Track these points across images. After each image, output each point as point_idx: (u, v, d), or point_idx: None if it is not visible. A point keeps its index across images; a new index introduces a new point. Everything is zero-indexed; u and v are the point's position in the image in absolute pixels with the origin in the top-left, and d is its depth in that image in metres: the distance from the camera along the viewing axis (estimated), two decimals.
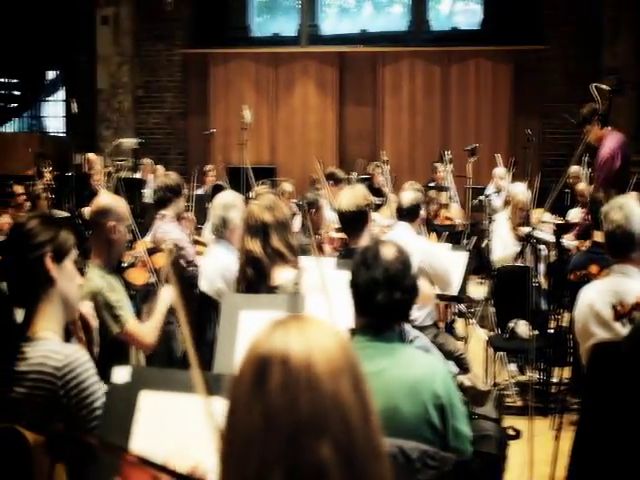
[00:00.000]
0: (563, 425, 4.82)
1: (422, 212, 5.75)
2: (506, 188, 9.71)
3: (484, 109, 13.77)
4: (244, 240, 4.10)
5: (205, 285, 4.78)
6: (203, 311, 4.57)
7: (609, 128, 6.73)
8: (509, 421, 3.75)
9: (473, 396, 3.52)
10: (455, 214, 10.03)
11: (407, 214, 5.52)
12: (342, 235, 5.10)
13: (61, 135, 16.41)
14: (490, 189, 10.48)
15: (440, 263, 5.27)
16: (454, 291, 5.69)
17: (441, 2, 15.32)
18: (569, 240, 7.19)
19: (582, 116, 6.76)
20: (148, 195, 10.62)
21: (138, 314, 3.92)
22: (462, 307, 7.43)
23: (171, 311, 4.21)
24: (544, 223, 7.01)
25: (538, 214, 6.99)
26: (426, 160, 13.02)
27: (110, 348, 3.49)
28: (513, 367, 6.75)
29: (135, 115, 15.04)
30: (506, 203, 8.02)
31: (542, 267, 6.80)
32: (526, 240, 6.02)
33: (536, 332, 5.79)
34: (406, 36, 14.75)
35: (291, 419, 1.19)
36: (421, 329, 4.77)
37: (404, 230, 5.40)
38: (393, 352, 2.63)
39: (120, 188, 5.06)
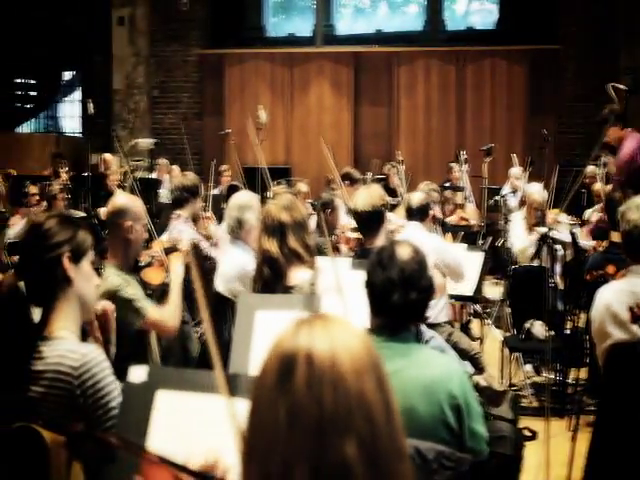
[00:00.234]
0: (579, 426, 4.79)
1: (431, 211, 5.76)
2: (522, 188, 9.69)
3: (500, 109, 13.73)
4: (261, 240, 4.10)
5: (220, 285, 4.79)
6: (218, 311, 4.58)
7: (630, 129, 6.70)
8: (525, 422, 3.73)
9: (489, 396, 3.51)
10: (470, 214, 10.01)
11: (417, 213, 5.54)
12: (358, 235, 5.09)
13: (77, 135, 16.48)
14: (506, 189, 10.45)
15: (452, 257, 5.29)
16: (469, 291, 5.68)
17: (457, 2, 15.28)
18: (583, 236, 7.16)
19: (603, 116, 6.73)
20: (164, 195, 10.66)
21: None
22: (478, 307, 7.42)
23: (185, 310, 4.23)
24: (560, 223, 6.98)
25: (554, 214, 6.96)
26: (441, 160, 12.99)
27: (127, 347, 3.50)
28: (529, 368, 6.72)
29: (151, 115, 15.09)
30: (522, 203, 7.99)
31: (558, 267, 6.78)
32: (542, 240, 6.00)
33: (552, 333, 5.77)
34: (421, 36, 14.72)
35: (316, 417, 1.20)
36: (435, 326, 4.77)
37: (415, 229, 5.41)
38: (409, 352, 2.63)
39: (136, 188, 5.07)
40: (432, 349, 3.02)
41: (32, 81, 16.30)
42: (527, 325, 6.18)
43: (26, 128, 16.97)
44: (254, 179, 9.05)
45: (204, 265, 5.26)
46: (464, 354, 5.03)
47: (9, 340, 2.40)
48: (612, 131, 6.53)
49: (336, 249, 5.38)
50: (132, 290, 3.70)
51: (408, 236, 4.98)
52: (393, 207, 8.94)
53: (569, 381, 6.24)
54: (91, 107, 10.73)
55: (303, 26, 15.36)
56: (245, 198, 5.09)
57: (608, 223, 6.04)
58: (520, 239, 7.10)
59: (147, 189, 8.88)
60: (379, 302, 2.65)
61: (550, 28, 13.35)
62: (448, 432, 2.54)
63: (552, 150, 10.68)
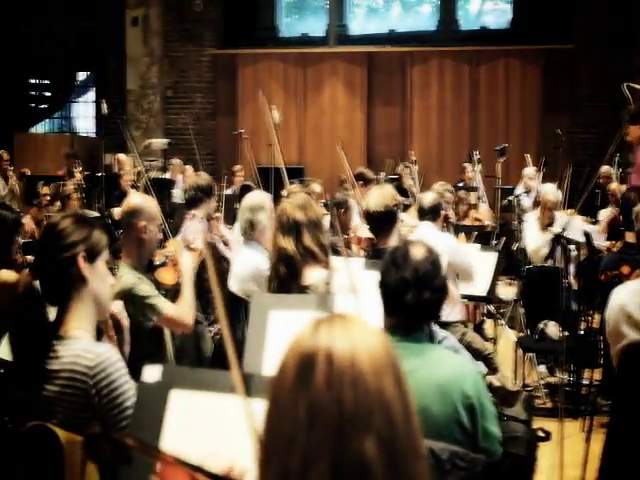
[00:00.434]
0: (594, 427, 4.77)
1: (443, 211, 5.75)
2: (535, 188, 9.67)
3: (513, 109, 13.70)
4: (277, 238, 4.10)
5: (234, 285, 4.80)
6: (232, 311, 4.59)
7: None
8: (539, 423, 3.72)
9: (502, 397, 3.50)
10: (484, 214, 9.98)
11: (428, 213, 5.53)
12: (369, 235, 5.09)
13: (91, 136, 16.54)
14: (519, 189, 10.42)
15: (463, 258, 5.27)
16: (482, 292, 5.66)
17: (470, 2, 15.26)
18: (597, 233, 7.14)
19: (628, 115, 6.69)
20: (177, 195, 10.68)
21: None
22: (491, 308, 7.40)
23: (199, 310, 4.24)
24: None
25: (568, 214, 6.94)
26: (455, 160, 12.98)
27: (141, 346, 3.51)
28: (543, 368, 6.70)
29: (164, 115, 15.12)
30: (536, 203, 7.97)
31: (572, 268, 6.76)
32: (556, 240, 5.98)
33: (566, 333, 5.75)
34: (435, 36, 14.71)
35: (336, 416, 1.21)
36: (447, 325, 4.76)
37: (428, 229, 5.41)
38: (423, 352, 2.62)
39: (150, 188, 5.08)
40: (446, 349, 3.02)
41: (46, 81, 16.37)
42: (541, 325, 6.16)
43: (40, 128, 17.05)
44: (268, 179, 9.06)
45: (219, 266, 5.27)
46: (477, 354, 5.02)
47: (25, 339, 2.41)
48: (633, 130, 6.48)
49: (349, 249, 5.38)
50: (147, 287, 3.71)
51: (421, 236, 4.97)
52: (406, 207, 8.93)
53: (583, 382, 6.21)
54: (105, 107, 10.76)
55: (316, 26, 15.37)
56: (257, 199, 5.09)
57: (623, 223, 6.01)
58: (534, 239, 7.08)
59: (160, 189, 8.91)
60: (393, 302, 2.64)
61: (564, 28, 13.30)
62: (462, 432, 2.53)
63: (566, 150, 10.66)
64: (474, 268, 5.38)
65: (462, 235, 7.81)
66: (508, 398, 3.47)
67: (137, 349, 3.01)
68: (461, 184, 10.98)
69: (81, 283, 2.44)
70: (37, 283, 2.46)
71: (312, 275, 3.95)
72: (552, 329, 6.09)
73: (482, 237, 7.92)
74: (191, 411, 1.93)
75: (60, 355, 2.37)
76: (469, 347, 4.70)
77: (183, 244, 4.41)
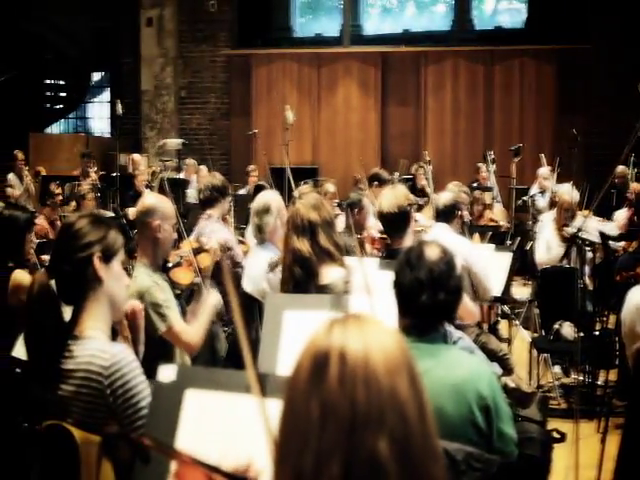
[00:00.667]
0: (609, 428, 4.75)
1: (459, 212, 5.68)
2: (550, 188, 9.63)
3: (528, 109, 13.66)
4: (291, 240, 4.09)
5: (249, 286, 4.80)
6: (246, 311, 4.59)
7: None
8: (554, 424, 3.71)
9: (517, 398, 3.49)
10: (498, 215, 9.96)
11: (442, 214, 5.49)
12: (383, 235, 5.07)
13: (106, 136, 16.61)
14: (534, 189, 10.39)
15: (480, 267, 5.17)
16: (497, 292, 5.63)
17: (485, 1, 15.23)
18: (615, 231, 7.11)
19: None
20: (191, 195, 10.70)
21: (183, 313, 3.94)
22: (506, 308, 7.38)
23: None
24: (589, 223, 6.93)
25: (584, 215, 6.91)
26: (469, 160, 12.95)
27: (156, 347, 3.51)
28: (558, 369, 6.67)
29: (178, 116, 15.16)
30: (552, 203, 7.94)
31: (587, 268, 6.73)
32: (572, 241, 5.96)
33: (581, 334, 5.73)
34: (449, 35, 14.69)
35: (348, 412, 1.21)
36: (462, 327, 4.74)
37: (442, 230, 5.35)
38: (437, 353, 2.62)
39: (165, 188, 5.09)
40: (461, 350, 3.01)
41: (61, 82, 16.45)
42: (556, 326, 6.14)
43: (55, 129, 17.13)
44: (281, 179, 9.06)
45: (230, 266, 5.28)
46: (492, 355, 5.01)
47: (40, 338, 2.42)
48: None
49: (363, 249, 5.37)
50: (162, 295, 3.70)
51: (435, 237, 4.94)
52: (420, 207, 8.92)
53: (598, 383, 6.19)
54: (120, 108, 10.81)
55: (330, 26, 15.37)
56: (262, 201, 5.09)
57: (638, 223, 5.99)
58: (544, 248, 7.05)
59: (175, 189, 8.93)
60: (407, 302, 2.64)
61: (579, 27, 13.24)
62: (476, 433, 2.53)
63: (581, 150, 10.61)
64: (490, 279, 5.27)
65: (477, 235, 7.80)
66: (523, 399, 3.46)
67: (151, 350, 3.01)
68: (475, 184, 10.96)
69: (97, 283, 2.45)
70: (52, 283, 2.46)
71: (330, 274, 3.95)
72: (567, 330, 6.06)
73: (497, 237, 7.91)
74: (206, 411, 1.94)
75: (75, 355, 2.38)
76: (484, 348, 4.69)
77: (197, 244, 4.42)
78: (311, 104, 14.41)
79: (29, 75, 13.95)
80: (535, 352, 6.33)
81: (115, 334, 2.61)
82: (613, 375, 5.99)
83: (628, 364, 3.84)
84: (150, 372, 2.23)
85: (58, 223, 7.78)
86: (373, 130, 14.22)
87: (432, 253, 2.64)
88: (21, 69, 13.23)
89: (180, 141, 12.85)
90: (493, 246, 6.32)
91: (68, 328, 2.44)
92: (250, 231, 5.89)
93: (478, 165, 11.66)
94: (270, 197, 5.21)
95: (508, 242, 7.85)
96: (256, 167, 11.99)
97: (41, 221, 7.72)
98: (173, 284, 3.95)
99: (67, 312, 2.48)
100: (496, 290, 5.68)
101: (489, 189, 10.44)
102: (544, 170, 10.60)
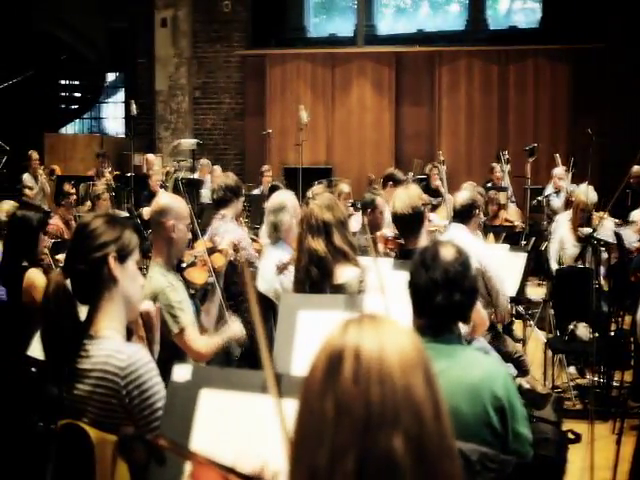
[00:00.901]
0: (624, 430, 4.73)
1: (477, 212, 5.64)
2: (565, 188, 9.60)
3: (542, 109, 13.62)
4: (306, 240, 4.10)
5: (263, 286, 4.80)
6: (260, 312, 4.58)
7: None
8: (569, 425, 3.69)
9: (532, 399, 3.48)
10: (513, 215, 9.94)
11: (459, 214, 5.44)
12: (396, 235, 5.05)
13: (120, 136, 16.66)
14: (549, 189, 10.36)
15: (493, 273, 5.13)
16: (511, 292, 5.61)
17: (499, 1, 15.19)
18: (633, 235, 7.07)
19: None
20: (205, 195, 10.73)
21: (197, 313, 3.94)
22: (520, 309, 7.35)
23: (228, 309, 4.25)
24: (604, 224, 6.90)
25: (599, 215, 6.88)
26: (483, 160, 12.92)
27: (171, 347, 3.52)
28: (573, 370, 6.65)
29: (193, 116, 15.19)
30: (567, 203, 7.91)
31: (602, 269, 6.70)
32: (587, 241, 5.93)
33: (596, 334, 5.70)
34: (463, 35, 14.66)
35: (363, 410, 1.22)
36: None
37: (458, 231, 5.31)
38: (453, 353, 2.61)
39: (180, 188, 5.09)
40: (475, 350, 3.00)
41: (76, 82, 16.51)
42: (571, 326, 6.12)
43: (70, 129, 17.19)
44: (295, 179, 9.07)
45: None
46: (507, 356, 4.99)
47: (56, 337, 2.43)
48: None
49: (377, 249, 5.36)
50: (176, 296, 3.71)
51: (451, 237, 4.92)
52: (434, 207, 8.91)
53: (613, 383, 6.16)
54: (134, 108, 10.84)
55: (344, 26, 15.37)
56: (278, 200, 5.09)
57: None
58: (556, 249, 7.03)
59: (189, 189, 8.95)
60: (422, 303, 2.63)
61: (594, 27, 13.18)
62: (491, 434, 2.52)
63: (596, 150, 10.56)
64: (504, 284, 5.22)
65: (491, 235, 7.79)
66: (538, 400, 3.45)
67: (166, 350, 3.02)
68: (489, 184, 10.94)
69: (112, 283, 2.45)
70: (68, 282, 2.47)
71: (345, 273, 3.96)
72: (582, 330, 6.04)
73: (511, 237, 7.89)
74: (220, 410, 1.94)
75: (91, 354, 2.38)
76: (499, 350, 4.68)
77: (211, 244, 4.43)
78: (325, 104, 14.41)
79: (44, 75, 14.01)
80: (550, 353, 6.31)
81: (130, 334, 2.62)
82: (628, 376, 5.96)
83: None
84: (165, 372, 2.23)
85: (73, 223, 7.82)
86: (387, 130, 14.20)
87: (447, 253, 2.63)
88: (36, 69, 13.29)
89: (195, 141, 12.86)
90: (508, 246, 6.30)
91: (84, 327, 2.44)
92: (264, 231, 5.90)
93: (492, 165, 11.63)
94: (286, 196, 5.21)
95: (523, 242, 7.82)
96: (270, 167, 12.00)
97: (56, 221, 7.75)
98: (187, 284, 3.96)
99: (82, 312, 2.49)
100: (511, 290, 5.66)
101: (503, 189, 10.41)
102: (559, 170, 10.56)
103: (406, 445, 1.21)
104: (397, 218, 4.63)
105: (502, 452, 2.51)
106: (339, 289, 3.88)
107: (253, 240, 5.97)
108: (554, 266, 6.99)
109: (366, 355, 1.25)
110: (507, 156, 11.48)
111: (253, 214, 8.70)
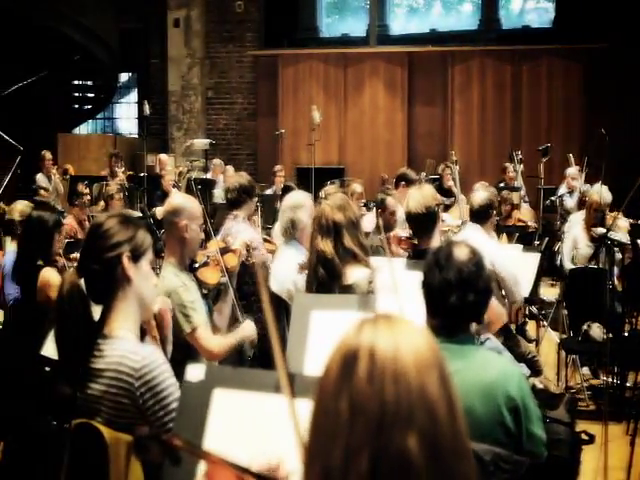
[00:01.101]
0: (638, 431, 4.71)
1: (494, 213, 5.62)
2: (579, 188, 9.56)
3: (556, 108, 13.57)
4: (316, 240, 4.10)
5: (275, 286, 4.80)
6: (273, 311, 4.58)
7: None
8: (582, 426, 3.68)
9: (545, 399, 3.47)
10: (526, 215, 9.91)
11: (477, 215, 5.42)
12: (410, 235, 5.04)
13: (133, 136, 16.70)
14: (562, 189, 10.32)
15: (508, 273, 5.12)
16: (525, 293, 5.60)
17: (512, 0, 15.14)
18: None
19: None
20: (218, 195, 10.74)
21: (210, 313, 3.95)
22: (534, 309, 7.33)
23: (241, 309, 4.25)
24: (618, 224, 6.87)
25: (613, 216, 6.85)
26: (496, 160, 12.90)
27: (183, 347, 3.53)
28: (586, 370, 6.62)
29: (205, 116, 15.22)
30: (581, 203, 7.88)
31: (616, 269, 6.67)
32: (601, 241, 5.90)
33: (610, 335, 5.68)
34: (476, 35, 14.63)
35: (377, 409, 1.22)
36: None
37: (473, 232, 5.30)
38: (466, 354, 2.60)
39: (193, 188, 5.10)
40: (489, 350, 3.00)
41: (89, 83, 16.55)
42: (584, 327, 6.09)
43: (84, 129, 17.24)
44: (308, 179, 9.07)
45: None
46: (520, 356, 4.98)
47: (70, 337, 2.44)
48: None
49: (390, 249, 5.35)
50: (189, 296, 3.71)
51: (465, 237, 4.91)
52: (447, 207, 8.89)
53: (627, 384, 6.13)
54: (147, 108, 10.86)
55: (357, 26, 15.37)
56: (298, 198, 5.09)
57: None
58: (569, 249, 7.00)
59: (202, 189, 8.96)
60: (436, 303, 2.62)
61: (608, 26, 13.12)
62: (505, 434, 2.51)
63: (610, 149, 10.51)
64: (520, 285, 5.21)
65: (504, 235, 7.76)
66: (551, 401, 3.43)
67: (179, 350, 3.03)
68: (502, 184, 10.91)
69: (125, 283, 2.45)
70: (82, 282, 2.47)
71: (354, 274, 3.95)
72: (596, 331, 6.01)
73: (524, 238, 7.86)
74: (234, 410, 1.94)
75: (105, 354, 2.39)
76: (513, 351, 4.66)
77: (224, 244, 4.43)
78: (337, 104, 14.41)
79: (58, 76, 14.05)
80: (563, 353, 6.29)
81: (143, 333, 2.62)
82: None
83: None
84: (178, 372, 2.23)
85: (86, 223, 7.84)
86: (400, 130, 14.19)
87: (461, 253, 2.63)
88: (50, 70, 13.34)
89: (207, 141, 12.89)
90: (521, 246, 6.29)
91: (97, 327, 2.45)
92: (277, 230, 5.89)
93: (505, 165, 11.60)
94: (303, 196, 5.21)
95: (536, 242, 7.80)
96: (282, 167, 12.01)
97: (70, 221, 7.78)
98: (200, 284, 3.96)
99: (96, 311, 2.50)
100: (524, 291, 5.65)
101: (516, 189, 10.39)
102: (572, 170, 10.51)
103: (420, 444, 1.21)
104: (411, 217, 4.63)
105: (516, 453, 2.50)
106: (347, 290, 3.88)
107: (266, 241, 5.96)
108: (568, 265, 6.97)
109: (381, 355, 1.25)
110: (520, 156, 11.45)
111: (266, 214, 8.70)
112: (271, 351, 1.52)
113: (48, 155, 11.34)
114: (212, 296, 4.29)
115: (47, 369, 3.82)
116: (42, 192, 10.35)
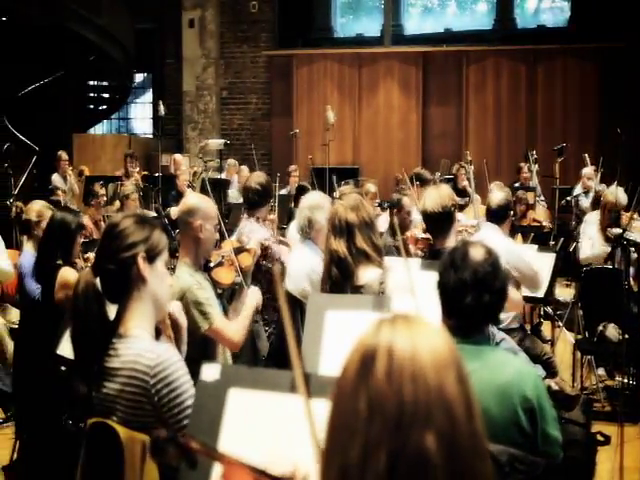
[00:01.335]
0: None
1: (512, 213, 5.60)
2: (594, 188, 9.52)
3: (571, 108, 13.52)
4: (329, 240, 4.11)
5: (290, 285, 4.81)
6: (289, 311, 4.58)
7: None
8: (598, 427, 3.66)
9: (561, 400, 3.45)
10: (541, 215, 9.88)
11: (494, 215, 5.40)
12: (427, 235, 5.04)
13: (148, 136, 16.75)
14: (578, 189, 10.28)
15: (526, 264, 5.12)
16: (540, 291, 5.58)
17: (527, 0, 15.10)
18: None
19: None
20: (233, 195, 10.76)
21: (225, 313, 3.96)
22: (549, 309, 7.31)
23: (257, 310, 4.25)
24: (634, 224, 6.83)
25: (629, 216, 6.82)
26: (511, 160, 12.86)
27: (198, 346, 3.53)
28: (602, 371, 6.59)
29: (220, 116, 15.25)
30: (596, 203, 7.84)
31: (632, 269, 6.63)
32: (617, 242, 5.87)
33: (626, 336, 5.65)
34: (491, 35, 14.59)
35: (395, 408, 1.22)
36: (507, 332, 4.71)
37: (490, 231, 5.28)
38: (482, 354, 2.60)
39: (208, 188, 5.10)
40: (504, 351, 2.99)
41: (105, 83, 16.61)
42: (600, 328, 6.07)
43: (99, 129, 17.31)
44: (322, 179, 9.07)
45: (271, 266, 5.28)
46: (536, 357, 4.96)
47: (86, 336, 2.45)
48: None
49: (407, 249, 5.34)
50: (204, 294, 3.72)
51: (482, 237, 4.89)
52: (461, 207, 8.87)
53: None
54: (162, 108, 10.89)
55: (371, 26, 15.36)
56: (316, 198, 5.10)
57: None
58: (588, 246, 6.96)
59: (216, 189, 8.97)
60: (451, 304, 2.62)
61: (623, 25, 13.06)
62: (521, 435, 2.50)
63: (626, 149, 10.47)
64: (539, 275, 5.21)
65: (519, 236, 7.74)
66: (566, 402, 3.42)
67: (194, 349, 3.03)
68: (517, 184, 10.88)
69: (141, 283, 2.46)
70: (98, 281, 2.48)
71: (366, 275, 3.95)
72: (611, 331, 5.99)
73: (540, 238, 7.84)
74: (249, 410, 1.94)
75: (120, 353, 2.39)
76: (528, 352, 4.65)
77: (238, 244, 4.44)
78: (352, 104, 14.40)
79: (73, 76, 14.11)
80: (579, 354, 6.27)
81: (158, 333, 2.63)
82: None
83: None
84: (194, 372, 2.24)
85: (102, 223, 7.88)
86: (414, 130, 14.18)
87: (477, 254, 2.62)
88: (66, 70, 13.39)
89: (222, 141, 12.90)
90: (536, 247, 6.26)
91: (113, 326, 2.46)
92: (292, 229, 5.89)
93: (520, 165, 11.57)
94: (323, 197, 5.22)
95: (551, 243, 7.77)
96: (297, 167, 12.01)
97: (85, 221, 7.81)
98: (215, 284, 3.97)
99: (112, 311, 2.51)
100: (539, 291, 5.63)
101: (531, 189, 10.35)
102: (588, 170, 10.47)
103: (438, 443, 1.21)
104: (427, 217, 4.61)
105: (531, 453, 2.50)
106: (359, 290, 3.88)
107: (281, 242, 5.96)
108: (586, 253, 6.89)
109: (399, 354, 1.25)
110: (535, 156, 11.41)
111: (280, 214, 8.71)
112: (286, 350, 1.52)
113: (64, 155, 11.38)
114: (227, 296, 4.29)
115: (63, 368, 3.85)
116: (59, 192, 10.39)
